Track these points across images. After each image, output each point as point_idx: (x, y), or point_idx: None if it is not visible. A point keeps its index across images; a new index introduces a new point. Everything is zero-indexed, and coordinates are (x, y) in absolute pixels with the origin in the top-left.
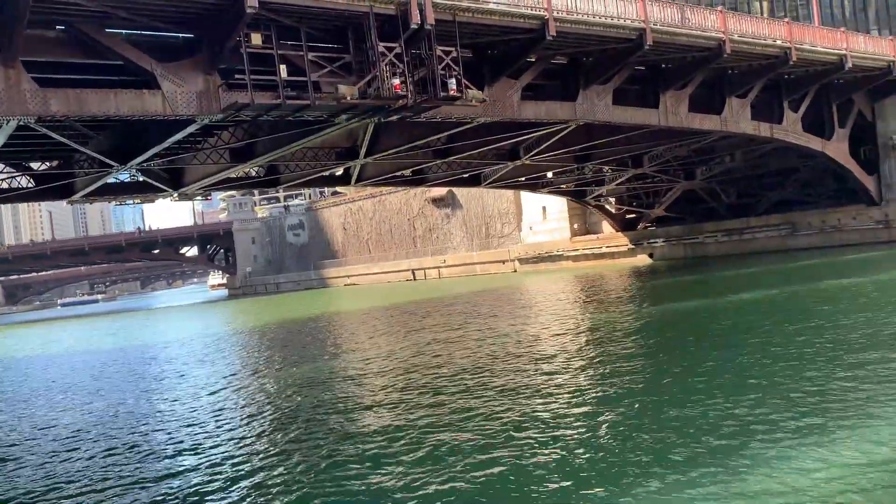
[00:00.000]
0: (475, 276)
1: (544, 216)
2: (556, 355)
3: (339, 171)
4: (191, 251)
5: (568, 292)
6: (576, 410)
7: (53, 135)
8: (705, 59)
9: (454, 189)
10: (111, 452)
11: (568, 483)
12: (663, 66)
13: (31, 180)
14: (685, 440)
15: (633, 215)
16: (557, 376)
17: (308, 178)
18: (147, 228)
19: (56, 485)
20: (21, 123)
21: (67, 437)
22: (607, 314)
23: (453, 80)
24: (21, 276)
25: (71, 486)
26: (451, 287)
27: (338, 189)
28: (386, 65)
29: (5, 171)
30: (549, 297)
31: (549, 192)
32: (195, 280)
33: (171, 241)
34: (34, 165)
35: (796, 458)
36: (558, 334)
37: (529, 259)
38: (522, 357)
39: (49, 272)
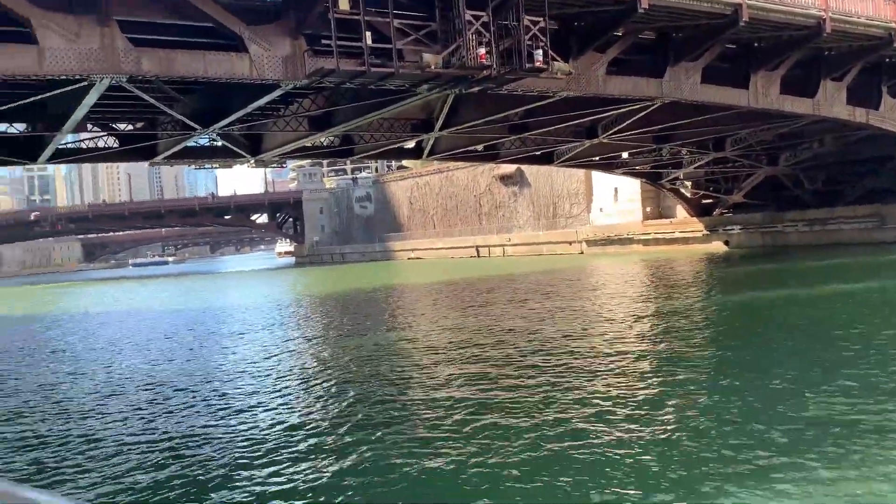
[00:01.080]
0: (540, 255)
1: (616, 198)
2: (620, 341)
3: (412, 144)
4: (261, 218)
5: (637, 276)
6: (634, 399)
7: (143, 95)
8: (803, 39)
9: (523, 167)
10: (171, 410)
11: (620, 474)
12: (756, 44)
13: (117, 141)
14: (750, 439)
15: (710, 200)
16: (619, 363)
17: (381, 150)
18: (219, 195)
19: (113, 436)
20: (113, 83)
21: (134, 391)
22: (678, 301)
23: (540, 52)
24: (99, 234)
25: (127, 438)
26: (515, 266)
27: (404, 163)
28: (472, 34)
29: (93, 130)
30: (617, 280)
31: (623, 173)
32: (262, 247)
33: (243, 207)
34: (120, 126)
35: (881, 462)
36: (625, 319)
37: (598, 241)
38: (585, 340)
39: (125, 232)
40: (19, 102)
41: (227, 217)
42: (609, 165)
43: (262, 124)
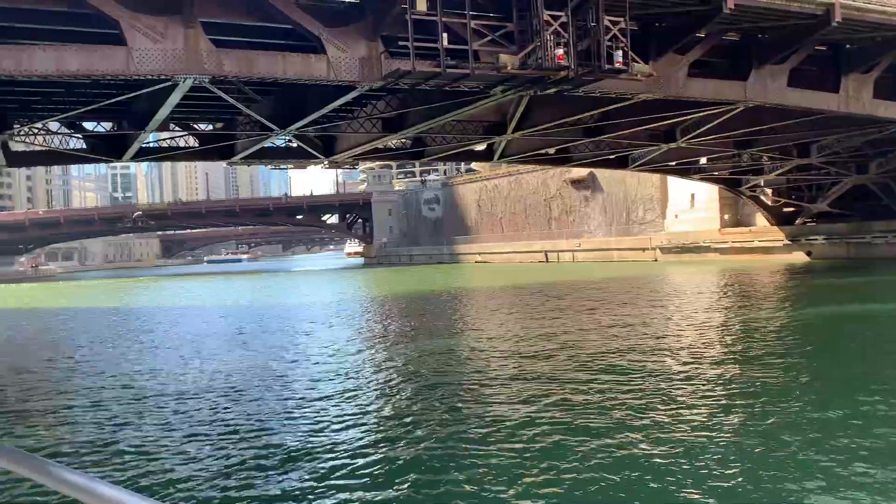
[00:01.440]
0: (611, 262)
1: (692, 204)
2: (694, 354)
3: (482, 147)
4: (331, 219)
5: (714, 286)
6: (705, 415)
7: (224, 96)
8: None
9: (596, 171)
10: (241, 402)
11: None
12: (847, 46)
13: (196, 140)
14: (830, 464)
15: (792, 209)
16: (693, 378)
17: (451, 153)
18: (291, 195)
19: (181, 427)
20: (196, 83)
21: (210, 383)
22: (757, 313)
23: (619, 53)
24: (177, 231)
25: (199, 428)
26: (585, 272)
27: (473, 166)
28: (550, 34)
29: (174, 130)
30: (692, 289)
31: (701, 179)
32: (331, 247)
33: (315, 207)
34: (199, 127)
35: None
36: (700, 331)
37: (672, 248)
38: (657, 351)
39: (202, 230)
40: (105, 102)
41: (298, 217)
42: (685, 171)
43: (336, 126)
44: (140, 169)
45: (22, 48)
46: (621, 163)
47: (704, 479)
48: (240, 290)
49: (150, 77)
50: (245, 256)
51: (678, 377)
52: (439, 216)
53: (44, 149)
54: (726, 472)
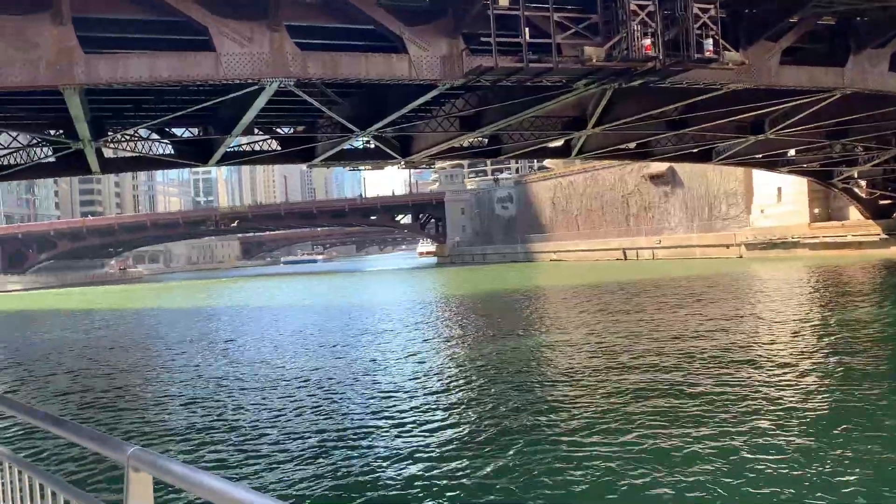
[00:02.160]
0: (694, 259)
1: (779, 198)
2: (786, 360)
3: (560, 143)
4: (405, 219)
5: (805, 284)
6: (797, 428)
7: (309, 98)
8: None
9: (676, 165)
10: (323, 402)
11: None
12: None
13: (278, 144)
14: None
15: (889, 201)
16: (784, 385)
17: (528, 150)
18: (366, 196)
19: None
20: (281, 86)
21: (293, 383)
22: (852, 313)
23: (710, 41)
24: (256, 234)
25: (284, 426)
26: (666, 270)
27: (546, 164)
28: (637, 24)
29: (256, 134)
30: (785, 286)
31: (789, 172)
32: (403, 247)
33: (389, 208)
34: (281, 130)
35: None
36: (792, 334)
37: (758, 245)
38: (746, 357)
39: (279, 232)
40: (192, 108)
41: (372, 218)
42: (772, 164)
43: (413, 126)
44: (221, 173)
45: (117, 57)
46: (704, 156)
47: (813, 489)
48: (321, 290)
49: (237, 81)
50: (320, 257)
51: (778, 382)
52: (513, 214)
53: (134, 155)
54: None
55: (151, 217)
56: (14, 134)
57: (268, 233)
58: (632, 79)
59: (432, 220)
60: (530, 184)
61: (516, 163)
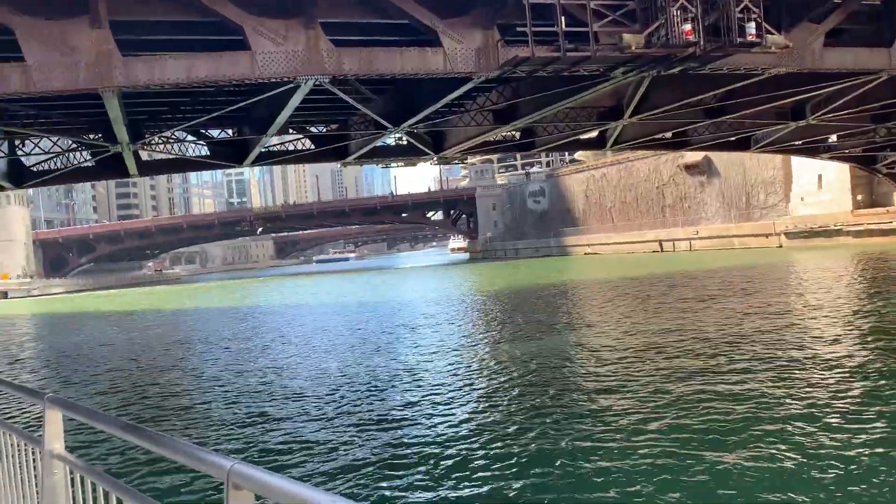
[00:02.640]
0: (732, 249)
1: (819, 185)
2: (852, 359)
3: (594, 134)
4: (436, 216)
5: (850, 273)
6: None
7: (343, 96)
8: None
9: (711, 155)
10: (362, 398)
11: None
12: None
13: (311, 143)
14: None
15: None
16: (848, 389)
17: (562, 142)
18: (397, 194)
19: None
20: (316, 84)
21: (333, 382)
22: None
23: (752, 25)
24: (289, 233)
25: (326, 423)
26: (704, 261)
27: (577, 156)
28: (676, 10)
29: (289, 133)
30: (830, 277)
31: (830, 158)
32: (434, 243)
33: (420, 204)
34: (315, 129)
35: None
36: (850, 328)
37: (799, 233)
38: (794, 357)
39: (312, 231)
40: (228, 109)
41: (404, 215)
42: (813, 150)
43: (446, 121)
44: (253, 174)
45: (154, 58)
46: (742, 144)
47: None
48: (356, 287)
49: (273, 80)
50: (352, 255)
51: (836, 383)
52: (545, 208)
53: (170, 157)
54: None
55: (187, 219)
56: (55, 139)
57: (301, 232)
58: (671, 66)
59: (463, 216)
60: (562, 177)
61: (546, 156)
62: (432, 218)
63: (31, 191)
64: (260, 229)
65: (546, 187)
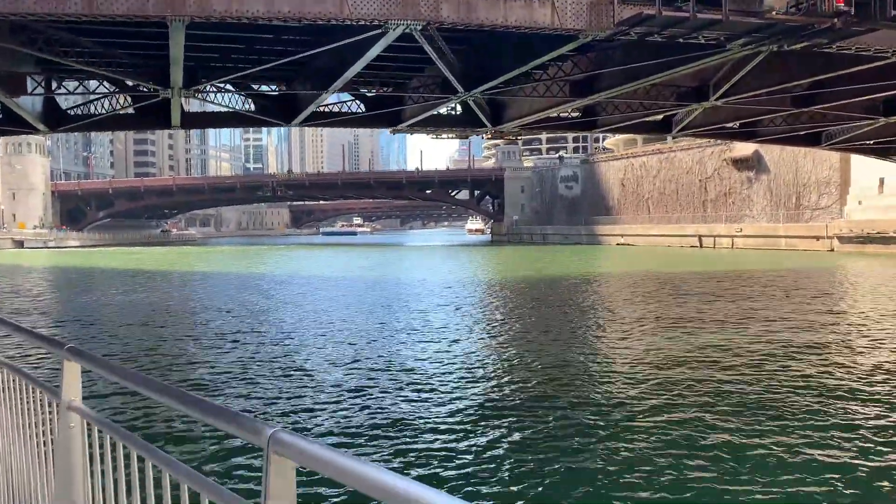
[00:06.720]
0: (778, 250)
1: (881, 189)
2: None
3: (659, 118)
4: (460, 194)
5: None
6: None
7: (426, 46)
8: None
9: (762, 149)
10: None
11: None
12: None
13: (362, 106)
14: None
15: None
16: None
17: (627, 123)
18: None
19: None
20: (406, 30)
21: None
22: None
23: None
24: (307, 202)
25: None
26: (748, 261)
27: (606, 144)
28: None
29: (342, 96)
30: (884, 287)
31: None
32: (445, 223)
33: (446, 182)
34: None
35: None
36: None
37: (854, 238)
38: (839, 374)
39: (330, 202)
40: (282, 61)
41: (428, 191)
42: (884, 150)
43: (510, 91)
44: (271, 140)
45: None
46: (812, 140)
47: None
48: (377, 263)
49: (361, 22)
50: (360, 229)
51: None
52: (577, 194)
53: (215, 110)
54: None
55: (209, 180)
56: (96, 82)
57: (318, 202)
58: (799, 39)
59: (488, 197)
60: (598, 163)
61: (575, 142)
62: (456, 196)
63: (49, 141)
64: (282, 195)
65: (580, 172)
